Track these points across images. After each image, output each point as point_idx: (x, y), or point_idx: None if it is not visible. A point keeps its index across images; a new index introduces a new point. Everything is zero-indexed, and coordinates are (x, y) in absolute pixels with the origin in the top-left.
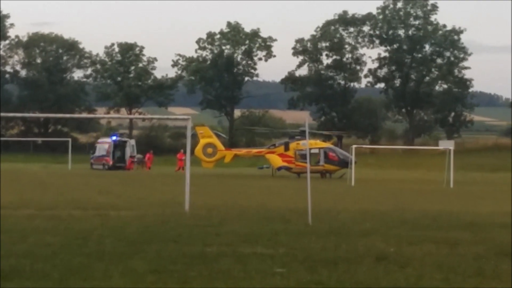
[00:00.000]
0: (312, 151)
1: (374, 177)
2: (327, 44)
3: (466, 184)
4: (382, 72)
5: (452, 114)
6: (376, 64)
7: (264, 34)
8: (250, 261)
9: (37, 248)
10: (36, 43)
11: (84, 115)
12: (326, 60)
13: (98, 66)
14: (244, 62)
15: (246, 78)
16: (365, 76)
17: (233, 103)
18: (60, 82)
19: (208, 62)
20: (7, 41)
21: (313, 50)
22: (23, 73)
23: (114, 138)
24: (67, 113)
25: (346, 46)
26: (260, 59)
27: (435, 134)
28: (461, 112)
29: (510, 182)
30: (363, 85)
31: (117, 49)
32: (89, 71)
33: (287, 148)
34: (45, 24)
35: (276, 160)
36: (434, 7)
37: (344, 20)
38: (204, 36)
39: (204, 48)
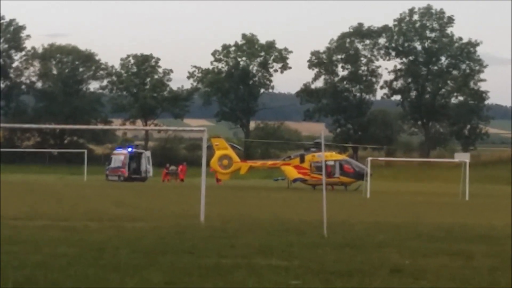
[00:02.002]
0: (328, 163)
1: (390, 189)
2: (343, 56)
3: (482, 197)
4: (398, 84)
5: (468, 126)
6: (392, 76)
7: (279, 45)
8: (265, 273)
9: (51, 259)
10: (52, 54)
11: (100, 126)
12: (341, 72)
13: (114, 77)
14: (259, 74)
15: (262, 90)
16: (381, 88)
17: (249, 115)
18: (76, 94)
19: (224, 74)
20: (23, 53)
21: (329, 62)
22: (39, 84)
23: (130, 149)
24: (83, 125)
25: (362, 58)
26: (275, 71)
27: (451, 147)
28: (476, 124)
29: None
30: (378, 97)
31: (133, 61)
32: (105, 82)
33: (302, 160)
34: (61, 35)
35: (291, 172)
36: (450, 20)
37: (360, 32)
38: (220, 48)
39: (219, 60)
